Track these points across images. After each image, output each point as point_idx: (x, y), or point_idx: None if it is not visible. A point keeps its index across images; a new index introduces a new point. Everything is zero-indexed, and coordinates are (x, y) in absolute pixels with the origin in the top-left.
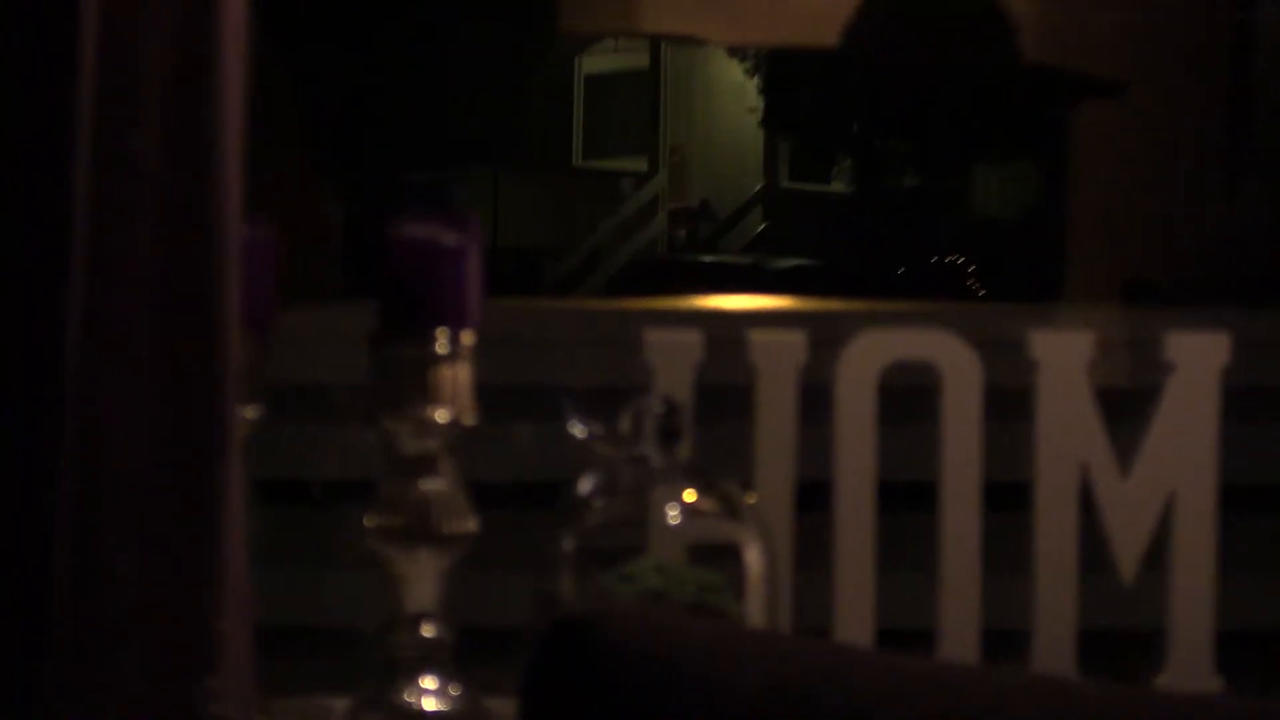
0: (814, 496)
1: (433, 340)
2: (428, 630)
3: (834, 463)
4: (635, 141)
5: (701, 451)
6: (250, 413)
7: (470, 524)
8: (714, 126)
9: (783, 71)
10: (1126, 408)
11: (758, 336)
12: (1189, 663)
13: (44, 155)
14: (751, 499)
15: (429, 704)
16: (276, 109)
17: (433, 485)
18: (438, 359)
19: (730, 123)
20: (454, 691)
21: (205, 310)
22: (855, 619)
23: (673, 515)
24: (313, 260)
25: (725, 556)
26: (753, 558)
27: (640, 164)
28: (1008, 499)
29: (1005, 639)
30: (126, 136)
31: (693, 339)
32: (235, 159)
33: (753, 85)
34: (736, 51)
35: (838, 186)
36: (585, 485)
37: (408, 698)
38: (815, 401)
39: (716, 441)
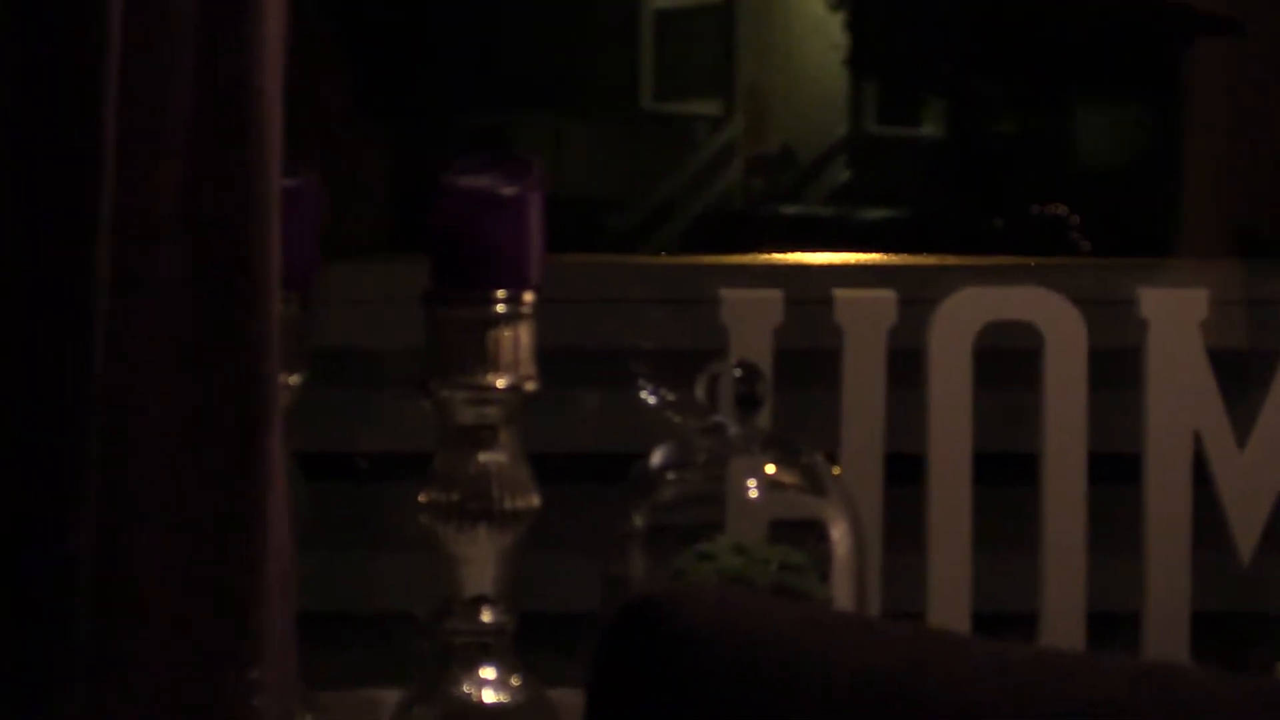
0: (905, 469)
1: (490, 300)
2: (486, 616)
3: (927, 432)
4: (708, 83)
5: (783, 420)
6: (292, 380)
7: (532, 500)
8: (794, 67)
9: (870, 5)
10: (1244, 372)
11: (843, 295)
12: None
13: (65, 99)
14: (837, 472)
15: (488, 696)
16: (318, 49)
17: (491, 458)
18: (496, 320)
19: (812, 62)
20: (515, 682)
21: (242, 269)
22: (950, 601)
23: (752, 489)
24: (359, 213)
25: (809, 534)
26: (839, 535)
27: (714, 107)
28: (1115, 472)
29: (1113, 622)
30: (155, 79)
31: (772, 298)
32: (274, 103)
33: (836, 21)
34: None
35: (929, 131)
36: (657, 457)
37: (465, 689)
38: (906, 365)
39: (799, 409)
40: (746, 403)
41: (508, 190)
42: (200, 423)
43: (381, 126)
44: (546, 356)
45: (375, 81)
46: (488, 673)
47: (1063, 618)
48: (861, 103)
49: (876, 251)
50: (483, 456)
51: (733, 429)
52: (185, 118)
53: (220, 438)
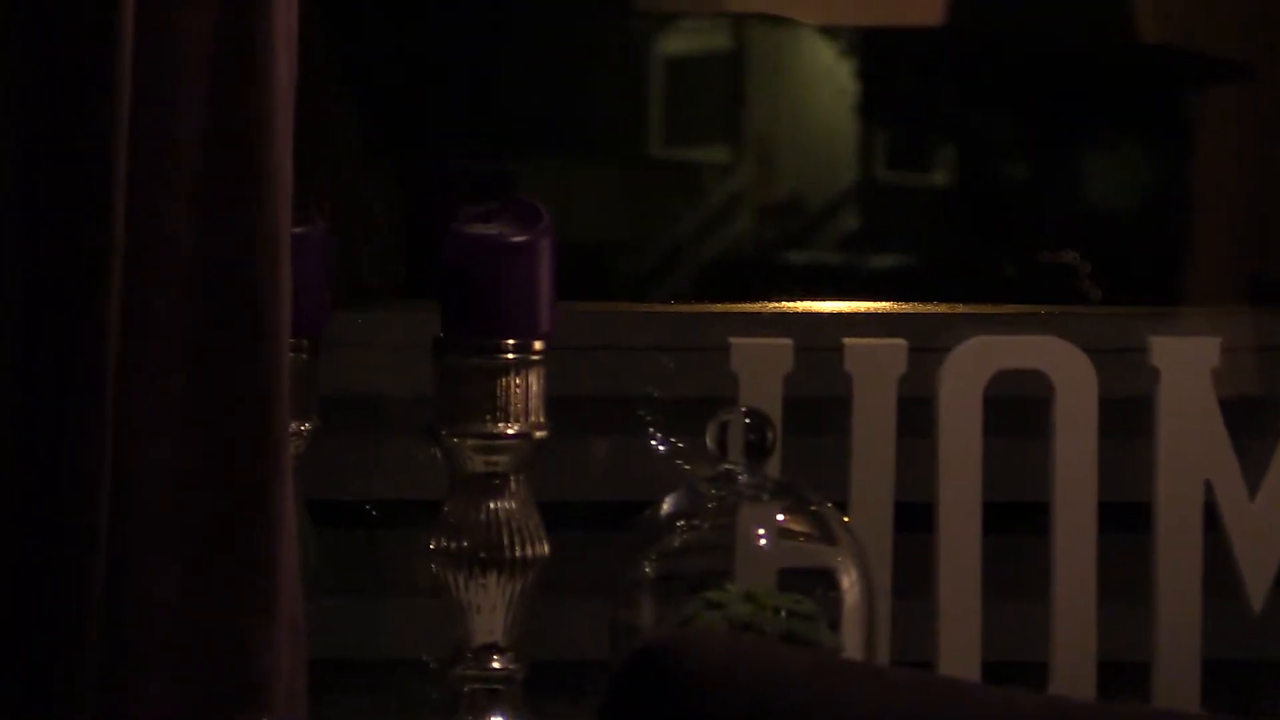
0: (914, 517)
1: (500, 348)
2: (496, 663)
3: (937, 480)
4: (717, 130)
5: (792, 468)
6: (302, 427)
7: (541, 548)
8: (804, 113)
9: (879, 53)
10: (1255, 420)
11: (853, 344)
12: None
13: (79, 145)
14: (847, 520)
15: None
16: (328, 92)
17: (501, 505)
18: (506, 368)
19: (821, 109)
20: None
21: (252, 315)
22: (960, 650)
23: (761, 537)
24: (368, 258)
25: (818, 582)
26: (848, 583)
27: (723, 154)
28: (1125, 520)
29: (1123, 672)
30: (166, 123)
31: (782, 346)
32: (284, 147)
33: (846, 67)
34: (828, 32)
35: (939, 177)
36: (667, 505)
37: None
38: (916, 414)
39: (809, 457)
40: (756, 450)
41: (517, 237)
42: (212, 469)
43: (390, 172)
44: (556, 404)
45: (383, 127)
46: None
47: (1073, 666)
48: (871, 149)
49: (886, 299)
50: (492, 504)
51: (742, 477)
52: (195, 161)
53: (232, 484)
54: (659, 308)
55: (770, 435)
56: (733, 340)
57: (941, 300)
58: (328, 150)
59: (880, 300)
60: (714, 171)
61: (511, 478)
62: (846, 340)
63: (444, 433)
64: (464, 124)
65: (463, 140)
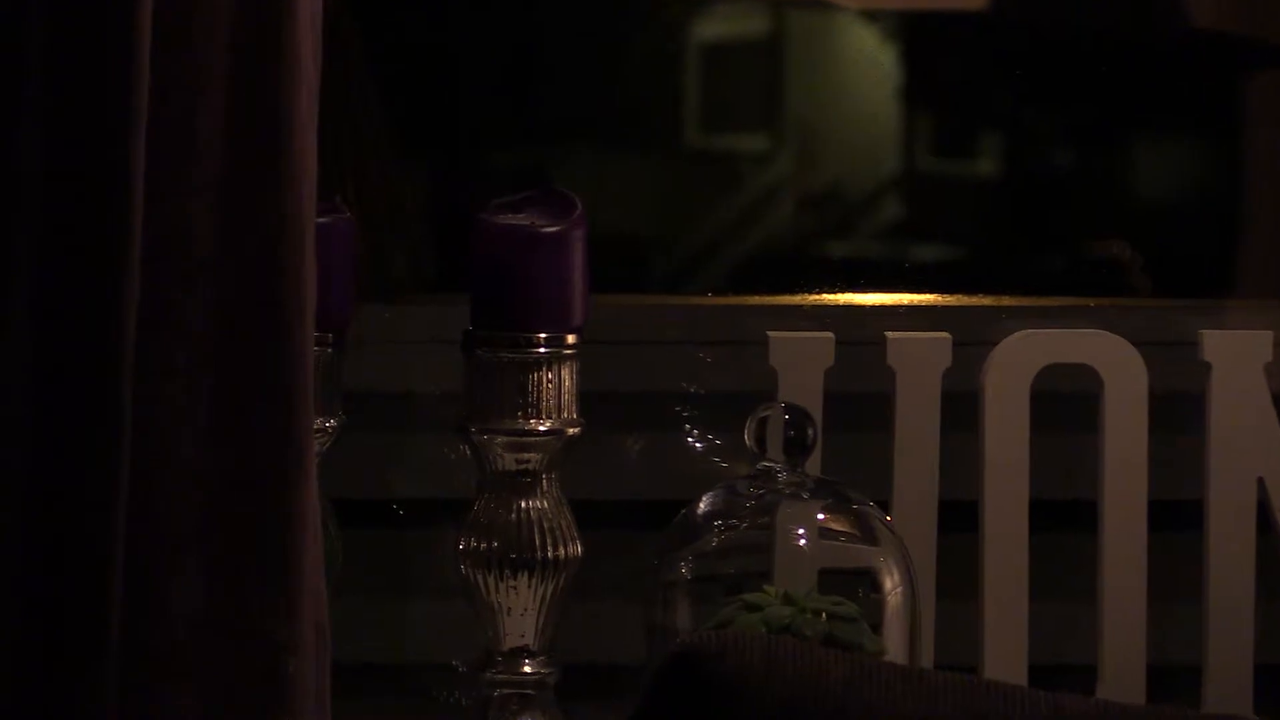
0: (959, 516)
1: (532, 342)
2: (527, 667)
3: (982, 478)
4: (755, 118)
5: (834, 466)
6: (327, 424)
7: (574, 548)
8: (844, 100)
9: (923, 38)
10: None
11: (896, 337)
12: None
13: (94, 133)
14: (890, 519)
15: None
16: (356, 79)
17: (532, 505)
18: (537, 363)
19: (862, 96)
20: None
21: (275, 308)
22: (1006, 653)
23: (801, 537)
24: (396, 250)
25: (860, 583)
26: (891, 585)
27: (761, 142)
28: (1176, 519)
29: (1173, 675)
30: (185, 109)
31: (823, 340)
32: (309, 134)
33: (888, 52)
34: (869, 16)
35: (984, 167)
36: (703, 504)
37: None
38: (961, 409)
39: (850, 454)
40: (796, 447)
41: (550, 227)
42: (233, 468)
43: (418, 161)
44: (589, 399)
45: (413, 115)
46: None
47: (1122, 669)
48: (914, 137)
49: (930, 292)
50: (523, 503)
51: (781, 475)
52: (216, 149)
53: (254, 483)
54: (695, 300)
55: (810, 432)
56: (771, 334)
57: (987, 292)
58: (355, 138)
59: (923, 292)
60: (752, 160)
61: (543, 476)
62: (889, 334)
63: (473, 429)
64: (495, 112)
65: (494, 128)
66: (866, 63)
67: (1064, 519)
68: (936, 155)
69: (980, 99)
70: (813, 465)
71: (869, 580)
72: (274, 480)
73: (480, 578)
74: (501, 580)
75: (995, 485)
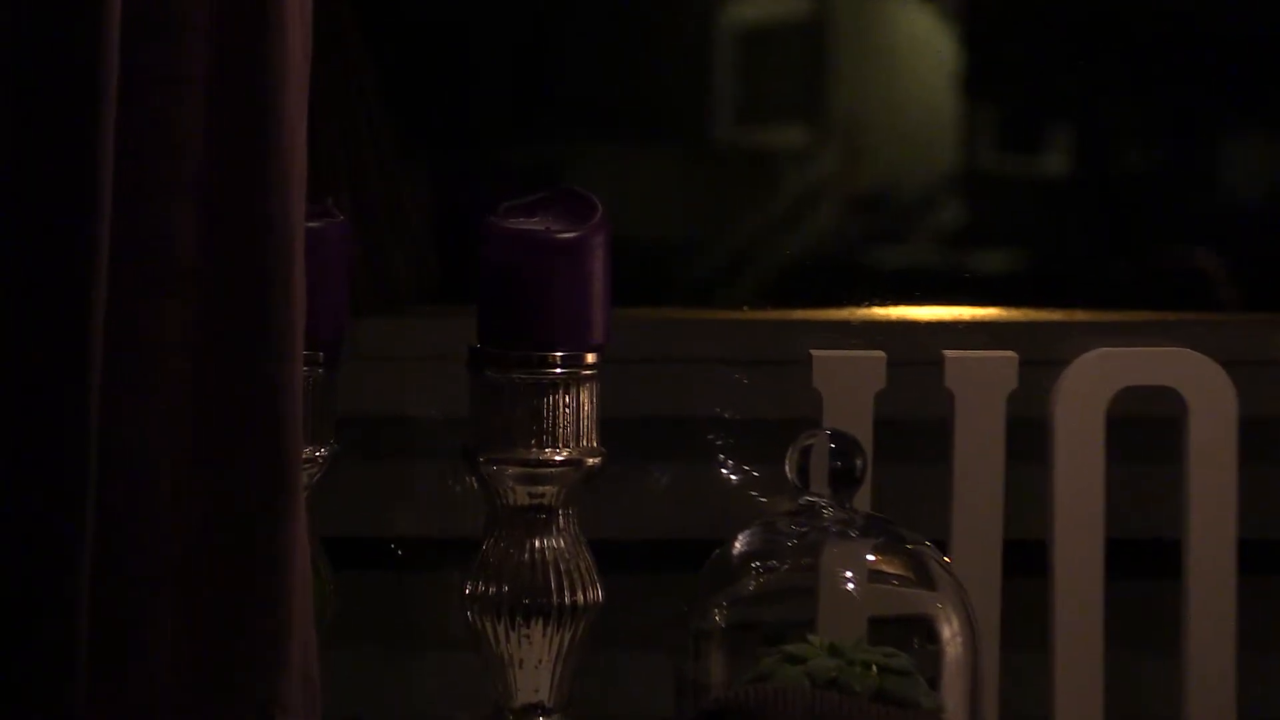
0: (1026, 557)
1: (547, 361)
2: None
3: (1051, 514)
4: (796, 109)
5: (885, 501)
6: (317, 453)
7: (594, 593)
8: (897, 92)
9: (984, 20)
10: None
11: (955, 355)
12: None
13: (63, 129)
14: (948, 560)
15: None
16: (351, 70)
17: (547, 544)
18: (553, 384)
19: (916, 86)
20: None
21: (260, 322)
22: (1079, 709)
23: (849, 581)
24: (396, 257)
25: (915, 633)
26: (949, 634)
27: (802, 137)
28: (1268, 561)
29: None
30: (160, 106)
31: (873, 359)
32: (297, 130)
33: (947, 36)
34: None
35: (1053, 166)
36: (739, 544)
37: None
38: (1027, 437)
39: (904, 488)
40: (842, 480)
41: (567, 233)
42: (212, 502)
43: (421, 159)
44: (611, 426)
45: (415, 109)
46: None
47: None
48: (974, 132)
49: (993, 305)
50: (538, 542)
51: (827, 511)
52: (194, 147)
53: (237, 521)
54: (729, 314)
55: (859, 462)
56: (815, 352)
57: (1056, 306)
58: (351, 134)
59: (986, 305)
60: (791, 157)
61: (559, 512)
62: (947, 352)
63: (481, 459)
64: (506, 104)
65: (504, 123)
66: (921, 47)
67: (1143, 561)
68: (1000, 151)
69: (1049, 88)
70: (862, 500)
71: (925, 629)
72: (258, 515)
73: (489, 626)
74: (513, 629)
75: (1066, 522)
